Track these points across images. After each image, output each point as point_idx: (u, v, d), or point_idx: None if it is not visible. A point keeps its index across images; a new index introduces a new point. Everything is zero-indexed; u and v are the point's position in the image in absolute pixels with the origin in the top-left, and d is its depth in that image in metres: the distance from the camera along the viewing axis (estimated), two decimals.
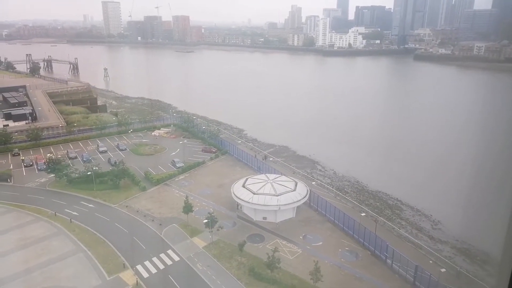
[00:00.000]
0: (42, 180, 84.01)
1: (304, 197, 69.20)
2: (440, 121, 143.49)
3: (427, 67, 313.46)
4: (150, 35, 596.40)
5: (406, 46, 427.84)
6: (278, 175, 76.92)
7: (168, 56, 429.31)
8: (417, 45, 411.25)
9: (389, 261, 55.29)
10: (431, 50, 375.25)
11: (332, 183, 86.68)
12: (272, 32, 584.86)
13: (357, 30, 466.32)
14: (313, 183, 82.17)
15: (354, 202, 76.43)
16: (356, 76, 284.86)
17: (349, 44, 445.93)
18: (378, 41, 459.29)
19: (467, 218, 67.83)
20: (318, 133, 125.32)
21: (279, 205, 65.86)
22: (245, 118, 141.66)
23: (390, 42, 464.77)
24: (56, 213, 69.11)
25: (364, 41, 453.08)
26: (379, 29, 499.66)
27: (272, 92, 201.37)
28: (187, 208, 65.82)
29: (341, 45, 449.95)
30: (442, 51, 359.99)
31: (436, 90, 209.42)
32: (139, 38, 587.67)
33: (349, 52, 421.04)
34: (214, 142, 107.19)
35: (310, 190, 71.98)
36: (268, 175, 76.42)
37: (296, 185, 71.58)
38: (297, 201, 67.82)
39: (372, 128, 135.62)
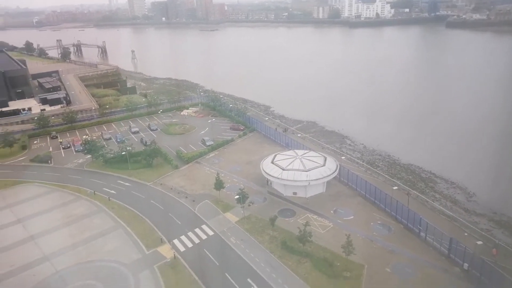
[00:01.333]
0: (80, 161, 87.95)
1: (334, 172, 69.08)
2: (474, 90, 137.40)
3: (460, 34, 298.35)
4: (174, 15, 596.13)
5: (437, 13, 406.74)
6: (307, 151, 76.90)
7: (193, 36, 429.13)
8: (449, 12, 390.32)
9: (422, 234, 54.89)
10: (464, 16, 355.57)
11: (362, 157, 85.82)
12: (296, 6, 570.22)
13: None
14: (342, 157, 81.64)
15: (386, 176, 75.60)
16: (385, 47, 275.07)
17: (377, 14, 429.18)
18: (407, 10, 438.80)
19: (504, 189, 65.79)
20: (347, 107, 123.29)
21: (309, 180, 66.17)
22: (272, 95, 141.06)
23: (420, 10, 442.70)
24: (95, 192, 72.64)
25: (393, 10, 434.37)
26: None
27: (298, 67, 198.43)
28: (219, 185, 67.42)
29: (368, 16, 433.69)
30: (476, 16, 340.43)
31: (470, 58, 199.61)
32: (164, 18, 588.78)
33: (377, 23, 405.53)
34: (241, 119, 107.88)
35: (340, 165, 71.71)
36: (296, 151, 76.53)
37: (325, 160, 71.45)
38: (327, 176, 67.85)
39: (403, 100, 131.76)
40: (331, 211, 62.97)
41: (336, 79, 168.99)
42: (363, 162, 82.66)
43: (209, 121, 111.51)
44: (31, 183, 78.73)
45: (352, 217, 61.36)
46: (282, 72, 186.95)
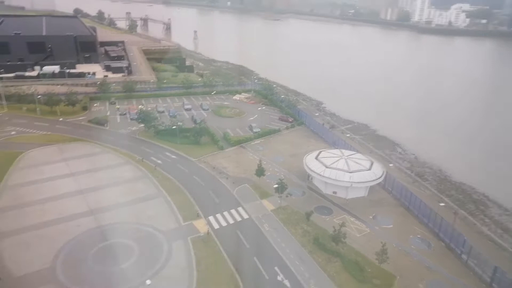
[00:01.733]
0: (133, 129, 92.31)
1: (379, 177, 66.94)
2: None
3: None
4: (239, 0, 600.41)
5: None
6: (354, 152, 75.01)
7: (255, 23, 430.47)
8: None
9: (464, 256, 51.96)
10: None
11: (412, 168, 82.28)
12: (363, 4, 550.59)
13: (461, 7, 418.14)
14: (390, 165, 78.92)
15: (433, 190, 72.06)
16: (454, 58, 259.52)
17: (450, 22, 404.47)
18: (484, 21, 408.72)
19: None
20: (403, 115, 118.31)
21: (351, 182, 64.74)
22: (326, 91, 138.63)
23: (499, 23, 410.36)
24: (143, 159, 76.11)
25: (468, 19, 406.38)
26: (487, 7, 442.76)
27: (358, 67, 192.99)
28: (260, 172, 68.01)
29: (439, 23, 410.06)
30: None
31: None
32: (229, 3, 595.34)
33: (448, 31, 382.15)
34: (291, 111, 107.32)
35: (386, 172, 69.35)
36: (343, 150, 74.90)
37: (372, 164, 69.40)
38: (371, 181, 65.98)
39: (465, 116, 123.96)
40: (370, 217, 61.30)
41: (397, 84, 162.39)
42: (411, 172, 79.30)
43: (259, 108, 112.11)
44: (87, 142, 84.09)
45: (391, 226, 59.34)
46: (340, 70, 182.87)
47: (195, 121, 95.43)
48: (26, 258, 49.01)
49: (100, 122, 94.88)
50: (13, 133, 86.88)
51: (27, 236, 53.21)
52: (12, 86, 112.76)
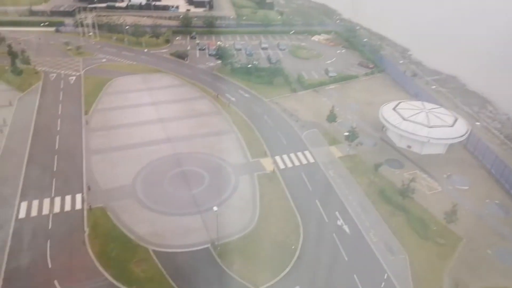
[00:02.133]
0: (211, 64, 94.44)
1: (462, 136, 61.84)
2: None
3: None
4: None
5: None
6: (437, 107, 69.29)
7: None
8: None
9: None
10: None
11: (502, 129, 74.09)
12: None
13: None
14: (477, 123, 72.06)
15: None
16: None
17: None
18: None
19: None
20: (504, 70, 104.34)
21: (429, 137, 60.77)
22: (415, 37, 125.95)
23: None
24: (218, 95, 78.48)
25: None
26: None
27: (457, 12, 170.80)
28: (331, 118, 66.71)
29: None
30: None
31: None
32: None
33: None
34: (372, 57, 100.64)
35: (470, 130, 63.66)
36: (425, 103, 69.56)
37: (455, 121, 64.00)
38: (452, 139, 61.34)
39: None
40: (444, 175, 57.84)
41: (504, 36, 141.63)
42: (500, 134, 71.75)
43: (338, 51, 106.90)
44: (168, 74, 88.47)
45: (467, 187, 55.66)
46: (435, 14, 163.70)
47: (270, 61, 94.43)
48: (111, 174, 55.37)
49: (181, 55, 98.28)
50: (103, 60, 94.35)
51: (113, 155, 59.59)
52: (104, 16, 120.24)
